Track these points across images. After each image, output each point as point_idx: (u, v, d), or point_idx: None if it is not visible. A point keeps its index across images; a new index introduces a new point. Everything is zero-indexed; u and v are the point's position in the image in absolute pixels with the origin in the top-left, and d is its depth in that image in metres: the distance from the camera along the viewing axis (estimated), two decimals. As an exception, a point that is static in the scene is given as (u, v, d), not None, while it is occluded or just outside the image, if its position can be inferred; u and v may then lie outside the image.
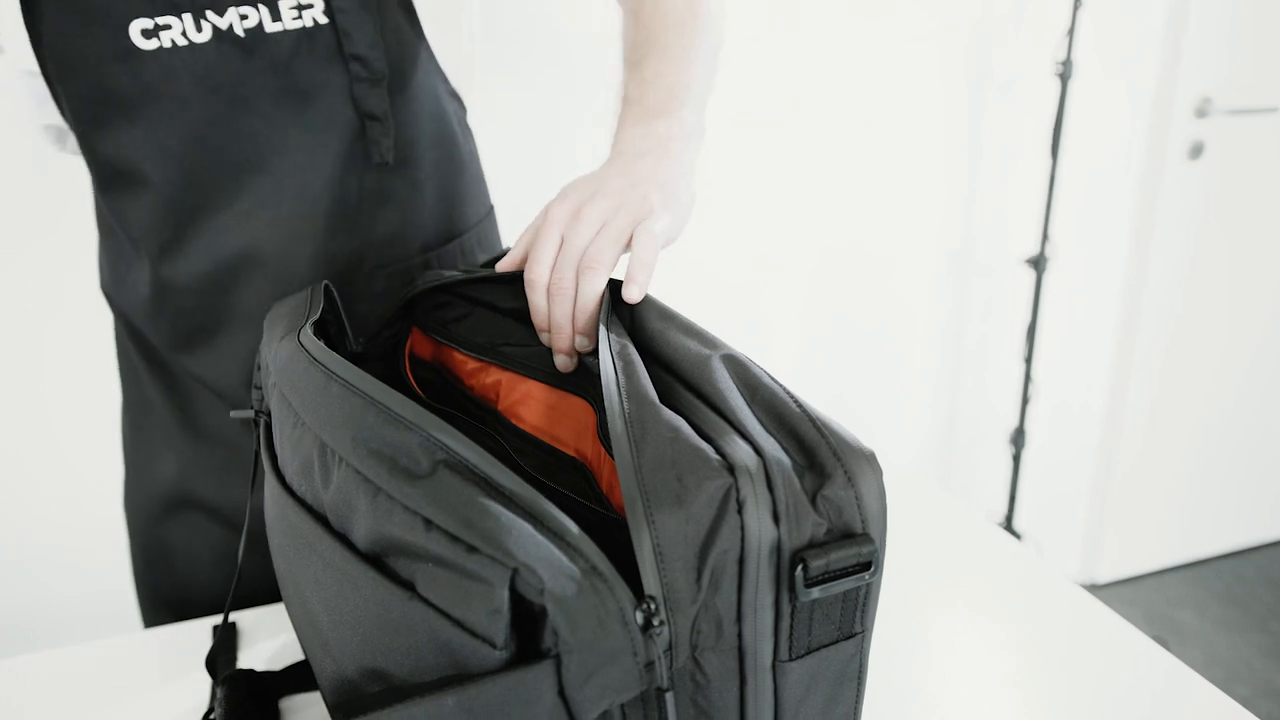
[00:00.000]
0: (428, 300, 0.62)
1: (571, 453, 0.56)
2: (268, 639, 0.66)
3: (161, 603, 0.76)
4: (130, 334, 0.72)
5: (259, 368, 0.56)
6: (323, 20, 0.63)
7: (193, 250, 0.65)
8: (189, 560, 0.75)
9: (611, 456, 0.49)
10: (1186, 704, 0.58)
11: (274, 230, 0.66)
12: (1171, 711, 0.58)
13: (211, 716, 0.55)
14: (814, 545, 0.36)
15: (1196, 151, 1.77)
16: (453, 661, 0.35)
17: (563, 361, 0.52)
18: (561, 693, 0.33)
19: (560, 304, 0.51)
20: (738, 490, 0.35)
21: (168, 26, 0.60)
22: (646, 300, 0.50)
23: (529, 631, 0.34)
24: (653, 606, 0.34)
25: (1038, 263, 1.62)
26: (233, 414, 0.54)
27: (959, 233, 1.70)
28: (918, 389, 1.78)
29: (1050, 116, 1.58)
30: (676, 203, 0.54)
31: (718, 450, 0.37)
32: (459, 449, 0.36)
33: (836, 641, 0.39)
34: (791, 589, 0.36)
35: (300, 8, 0.62)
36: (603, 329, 0.46)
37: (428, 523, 0.35)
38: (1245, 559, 2.13)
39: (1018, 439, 1.72)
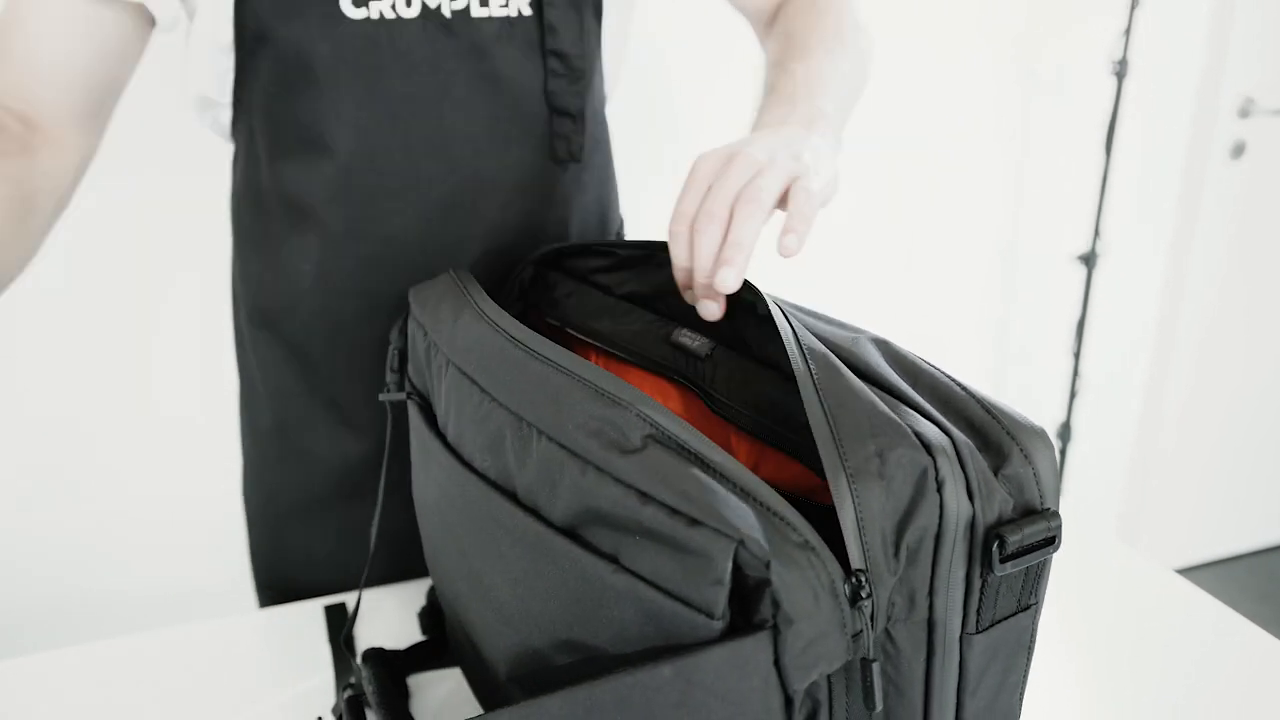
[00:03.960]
0: (540, 281, 0.63)
1: None
2: (382, 619, 0.68)
3: (279, 589, 0.77)
4: (267, 329, 0.72)
5: (398, 350, 0.57)
6: (527, 12, 0.63)
7: (364, 231, 0.65)
8: (310, 551, 0.75)
9: (741, 428, 0.50)
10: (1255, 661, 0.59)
11: (446, 216, 0.66)
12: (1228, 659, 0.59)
13: (348, 693, 0.56)
14: (1004, 522, 0.37)
15: (1238, 151, 1.77)
16: (661, 632, 0.36)
17: (710, 310, 0.50)
18: (777, 662, 0.34)
19: (709, 235, 0.47)
20: (936, 469, 0.36)
21: None
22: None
23: (741, 603, 0.35)
24: (861, 580, 0.35)
25: (1089, 259, 1.63)
26: (382, 397, 0.55)
27: (1011, 228, 1.70)
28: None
29: (1101, 114, 1.58)
30: (825, 168, 0.53)
31: (909, 426, 0.38)
32: (668, 425, 0.37)
33: (1015, 614, 0.40)
34: (985, 564, 0.37)
35: None
36: (765, 293, 0.46)
37: (643, 496, 0.36)
38: (1279, 556, 2.14)
39: (1064, 433, 1.73)
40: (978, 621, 0.39)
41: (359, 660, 0.57)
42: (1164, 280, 1.84)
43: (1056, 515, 0.38)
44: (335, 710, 0.55)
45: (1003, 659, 0.41)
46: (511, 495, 0.42)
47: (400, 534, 0.67)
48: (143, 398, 1.28)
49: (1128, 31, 1.48)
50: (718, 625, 0.34)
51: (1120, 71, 1.50)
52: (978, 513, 0.37)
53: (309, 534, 0.74)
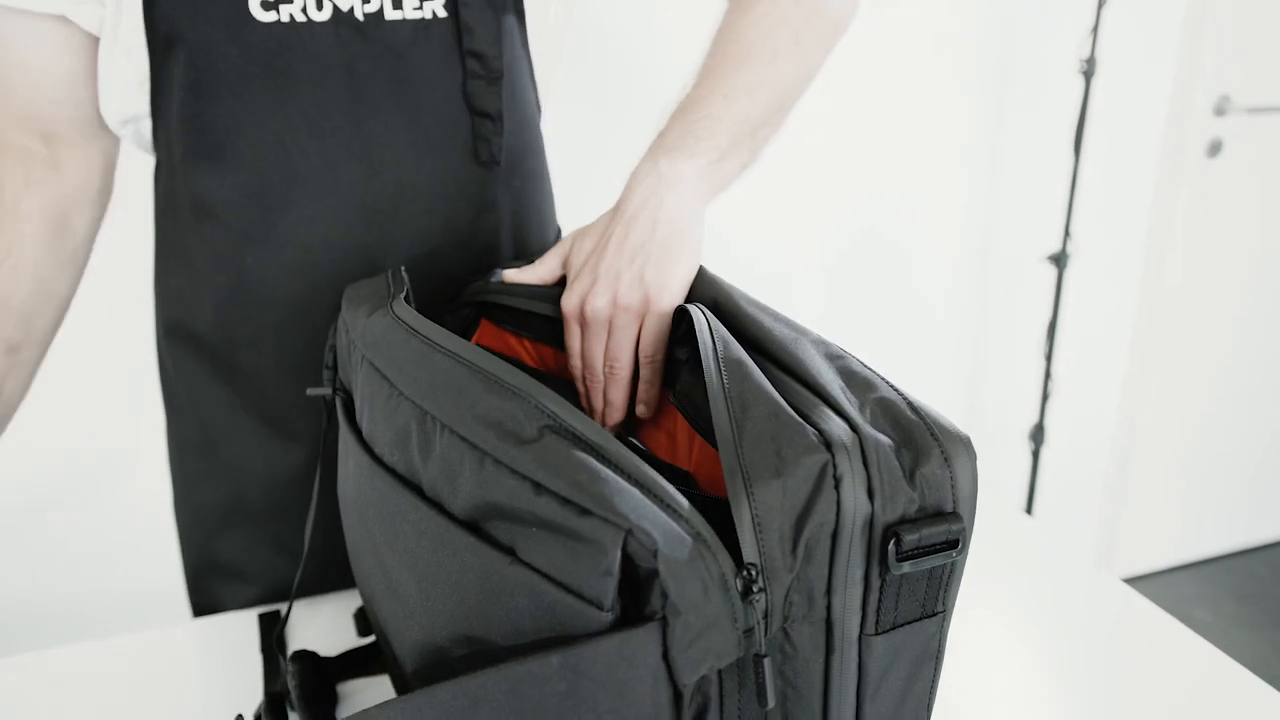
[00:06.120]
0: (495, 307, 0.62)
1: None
2: (315, 628, 0.67)
3: (212, 605, 0.76)
4: (188, 344, 0.71)
5: (332, 348, 0.57)
6: (443, 14, 0.63)
7: (282, 238, 0.65)
8: (241, 567, 0.74)
9: (688, 422, 0.50)
10: (1209, 682, 0.59)
11: (368, 222, 0.65)
12: (1197, 690, 0.59)
13: (277, 690, 0.55)
14: (906, 521, 0.37)
15: (1215, 149, 1.78)
16: (554, 624, 0.35)
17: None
18: (665, 655, 0.34)
19: (596, 395, 0.57)
20: (835, 466, 0.36)
21: (288, 0, 0.60)
22: (734, 289, 0.52)
23: (633, 594, 0.35)
24: (752, 574, 0.34)
25: (1059, 260, 1.63)
26: (310, 391, 0.55)
27: (981, 229, 1.70)
28: (938, 385, 1.79)
29: (1072, 114, 1.59)
30: (667, 271, 0.54)
31: (814, 426, 0.38)
32: (565, 416, 0.37)
33: (920, 619, 0.40)
34: (883, 562, 0.37)
35: None
36: (693, 308, 0.47)
37: (537, 487, 0.36)
38: (1260, 556, 2.14)
39: (1037, 435, 1.73)
40: (877, 622, 0.39)
41: (289, 660, 0.57)
42: (1139, 280, 1.84)
43: (960, 519, 0.38)
44: (257, 712, 0.55)
45: (906, 664, 0.40)
46: (417, 489, 0.42)
47: (341, 543, 0.66)
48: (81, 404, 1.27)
49: (1095, 30, 1.48)
50: (607, 617, 0.34)
51: (1088, 70, 1.50)
52: (877, 511, 0.37)
53: (240, 550, 0.73)
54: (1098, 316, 1.83)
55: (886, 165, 1.60)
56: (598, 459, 0.36)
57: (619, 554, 0.33)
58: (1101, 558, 2.03)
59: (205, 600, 0.77)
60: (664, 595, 0.33)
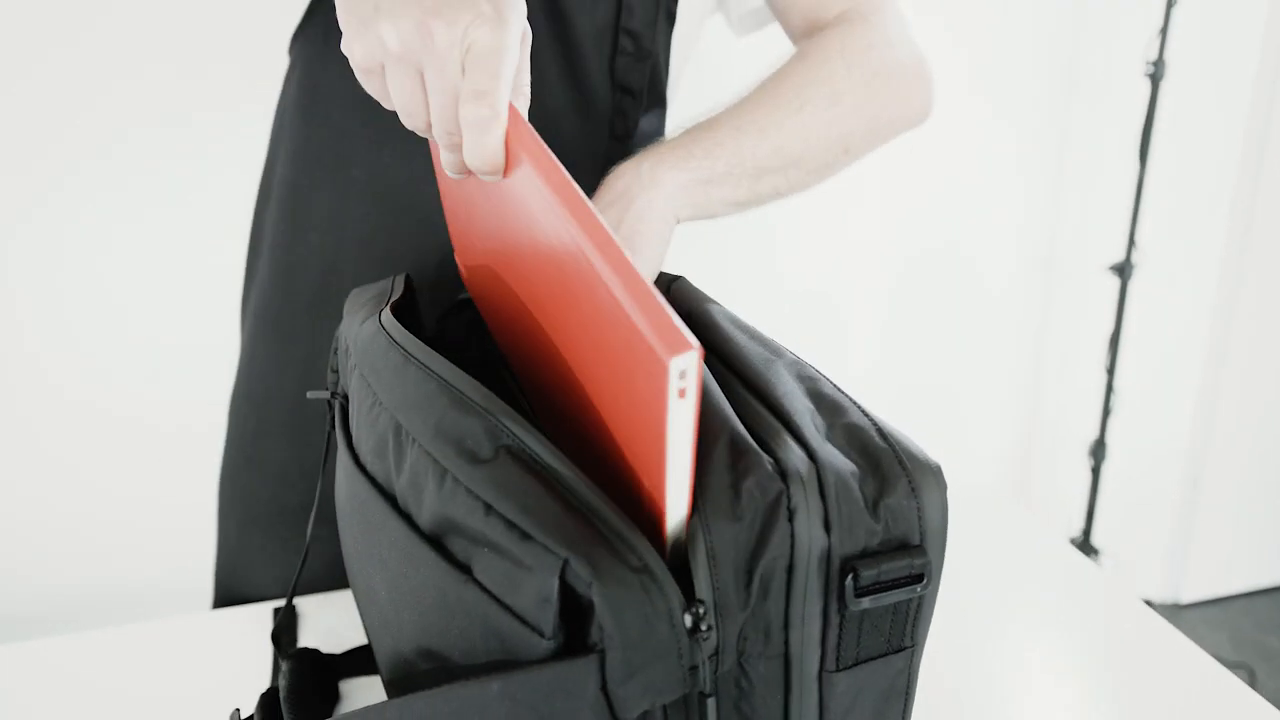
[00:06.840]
0: None
1: None
2: (328, 624, 0.68)
3: (234, 592, 0.77)
4: (254, 332, 0.73)
5: (335, 350, 0.58)
6: None
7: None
8: (273, 560, 0.75)
9: None
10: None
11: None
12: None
13: (274, 688, 0.56)
14: (866, 554, 0.36)
15: (1301, 156, 1.68)
16: (502, 647, 0.35)
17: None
18: (604, 688, 0.34)
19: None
20: (789, 497, 0.35)
21: None
22: (714, 304, 0.51)
23: (578, 624, 0.34)
24: (701, 610, 0.34)
25: (1123, 270, 1.57)
26: (309, 394, 0.56)
27: (1044, 238, 1.65)
28: (998, 397, 1.74)
29: (1139, 119, 1.52)
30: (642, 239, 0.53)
31: (771, 454, 0.37)
32: (524, 437, 0.37)
33: (885, 654, 0.38)
34: (841, 598, 0.36)
35: None
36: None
37: (488, 507, 0.36)
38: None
39: (1098, 451, 1.66)
40: (838, 659, 0.37)
41: (284, 657, 0.58)
42: (1214, 291, 1.75)
43: (924, 553, 0.37)
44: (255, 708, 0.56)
45: (871, 702, 0.39)
46: (392, 499, 0.43)
47: None
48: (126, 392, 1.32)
49: (1164, 31, 1.41)
50: (548, 644, 0.34)
51: (1155, 74, 1.43)
52: (834, 544, 0.36)
53: (273, 543, 0.75)
54: (1166, 328, 1.75)
55: (948, 172, 1.56)
56: (550, 482, 0.36)
57: (556, 582, 0.33)
58: (1169, 579, 1.95)
59: (228, 590, 0.78)
60: (602, 627, 0.33)
